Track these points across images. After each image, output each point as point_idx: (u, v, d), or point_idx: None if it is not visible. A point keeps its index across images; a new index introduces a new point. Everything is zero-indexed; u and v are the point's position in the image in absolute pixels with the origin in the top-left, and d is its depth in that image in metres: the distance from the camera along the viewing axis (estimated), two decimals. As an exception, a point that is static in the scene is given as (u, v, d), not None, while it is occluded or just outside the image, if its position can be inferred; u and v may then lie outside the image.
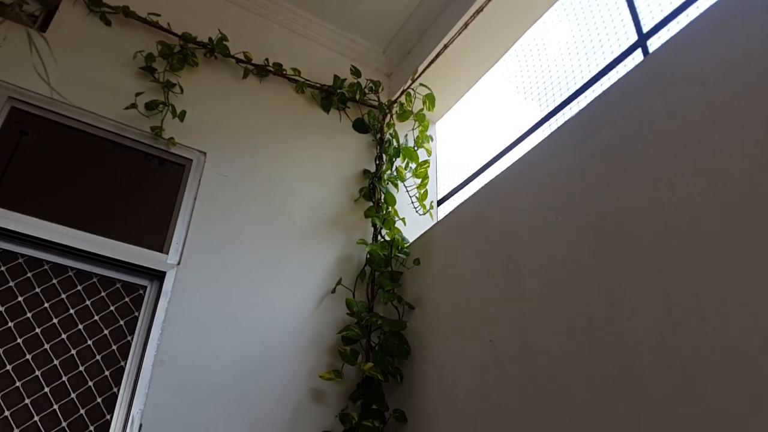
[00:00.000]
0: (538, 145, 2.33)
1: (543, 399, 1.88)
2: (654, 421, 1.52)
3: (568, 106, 2.75)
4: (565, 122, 2.23)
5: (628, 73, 2.03)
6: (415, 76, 3.37)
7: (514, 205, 2.32)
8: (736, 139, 1.56)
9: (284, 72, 3.26)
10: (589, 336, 1.79)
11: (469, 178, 3.23)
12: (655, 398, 1.54)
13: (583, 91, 2.70)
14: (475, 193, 2.61)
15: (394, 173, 3.19)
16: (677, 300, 1.57)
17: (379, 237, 3.02)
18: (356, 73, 3.40)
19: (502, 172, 2.48)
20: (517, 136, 2.97)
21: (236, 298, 2.56)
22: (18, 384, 2.08)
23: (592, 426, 1.68)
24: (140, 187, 2.69)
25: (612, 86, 2.07)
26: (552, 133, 2.28)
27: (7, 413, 2.02)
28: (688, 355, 1.49)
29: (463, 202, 2.68)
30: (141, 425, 2.15)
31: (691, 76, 1.76)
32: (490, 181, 2.54)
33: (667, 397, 1.51)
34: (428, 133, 3.30)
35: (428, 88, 3.27)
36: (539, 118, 2.89)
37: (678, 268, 1.60)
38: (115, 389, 2.22)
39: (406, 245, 2.93)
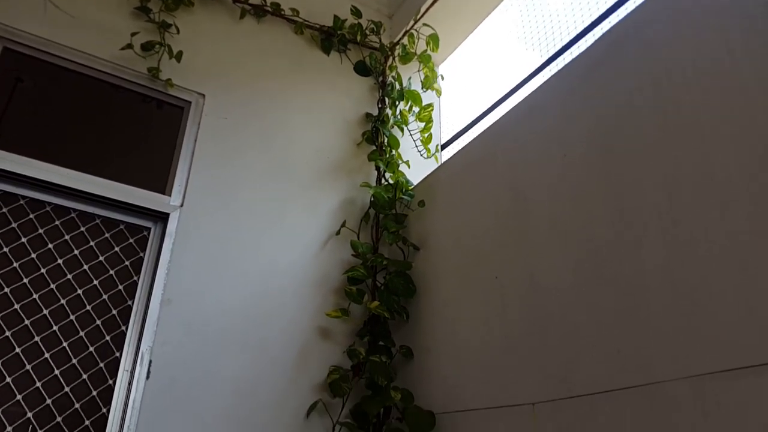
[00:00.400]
0: (545, 82, 2.28)
1: (549, 333, 1.89)
2: (663, 350, 1.53)
3: (576, 45, 2.70)
4: (574, 58, 2.18)
5: (640, 5, 1.97)
6: (418, 17, 3.28)
7: (521, 144, 2.29)
8: (751, 67, 1.52)
9: (282, 12, 3.18)
10: (597, 270, 1.79)
11: (473, 121, 3.18)
12: (664, 329, 1.54)
13: (591, 29, 2.64)
14: (481, 134, 2.57)
15: (398, 116, 3.14)
16: (686, 231, 1.56)
17: (383, 180, 2.99)
18: (357, 13, 3.32)
19: (509, 112, 2.45)
20: (523, 78, 2.92)
21: (241, 239, 2.55)
22: (27, 322, 2.08)
23: (599, 357, 1.69)
24: (139, 130, 2.65)
25: (623, 19, 2.01)
26: (560, 70, 2.24)
27: (18, 350, 2.03)
28: (697, 286, 1.49)
29: (468, 143, 2.65)
30: (151, 362, 2.16)
31: (706, 4, 1.70)
32: (496, 121, 2.50)
33: (676, 326, 1.52)
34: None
35: (432, 28, 3.19)
36: (546, 58, 2.84)
37: (687, 199, 1.58)
38: (124, 327, 2.23)
39: (410, 187, 2.91)
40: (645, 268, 1.64)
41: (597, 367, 1.69)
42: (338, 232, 2.79)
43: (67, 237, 2.28)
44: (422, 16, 3.28)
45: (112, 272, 2.30)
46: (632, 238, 1.70)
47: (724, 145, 1.52)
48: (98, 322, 2.20)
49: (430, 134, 3.12)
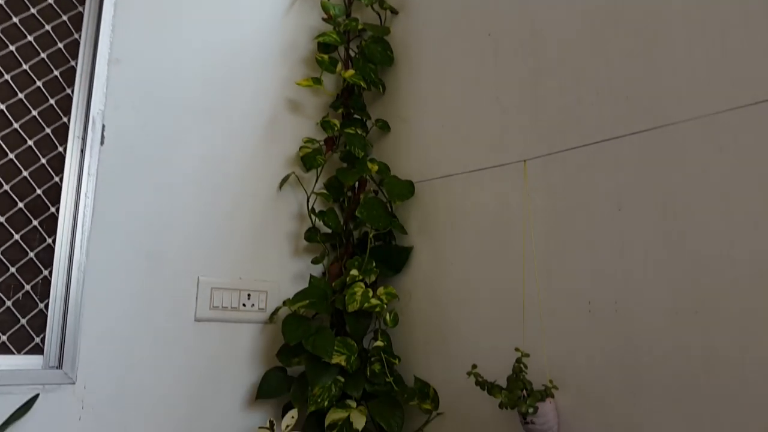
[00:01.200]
0: None
1: (549, 85, 1.73)
2: (676, 92, 1.39)
3: None
4: None
5: None
6: None
7: None
8: None
9: None
10: (609, 11, 1.58)
11: None
12: (681, 69, 1.39)
13: None
14: None
15: None
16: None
17: (357, -65, 2.60)
18: None
19: None
20: None
21: (195, -4, 2.22)
22: (-46, 81, 1.82)
23: (603, 105, 1.56)
24: None
25: None
26: None
27: (-53, 110, 1.80)
28: (719, 19, 1.30)
29: None
30: (104, 126, 1.97)
31: None
32: None
33: (694, 66, 1.36)
34: None
35: None
36: None
37: None
38: (69, 90, 1.99)
39: (388, -59, 2.54)
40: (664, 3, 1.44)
41: (599, 117, 1.57)
42: (306, -5, 2.47)
43: (-13, -15, 1.93)
44: None
45: (48, 27, 1.99)
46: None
47: None
48: (39, 83, 1.95)
49: None
